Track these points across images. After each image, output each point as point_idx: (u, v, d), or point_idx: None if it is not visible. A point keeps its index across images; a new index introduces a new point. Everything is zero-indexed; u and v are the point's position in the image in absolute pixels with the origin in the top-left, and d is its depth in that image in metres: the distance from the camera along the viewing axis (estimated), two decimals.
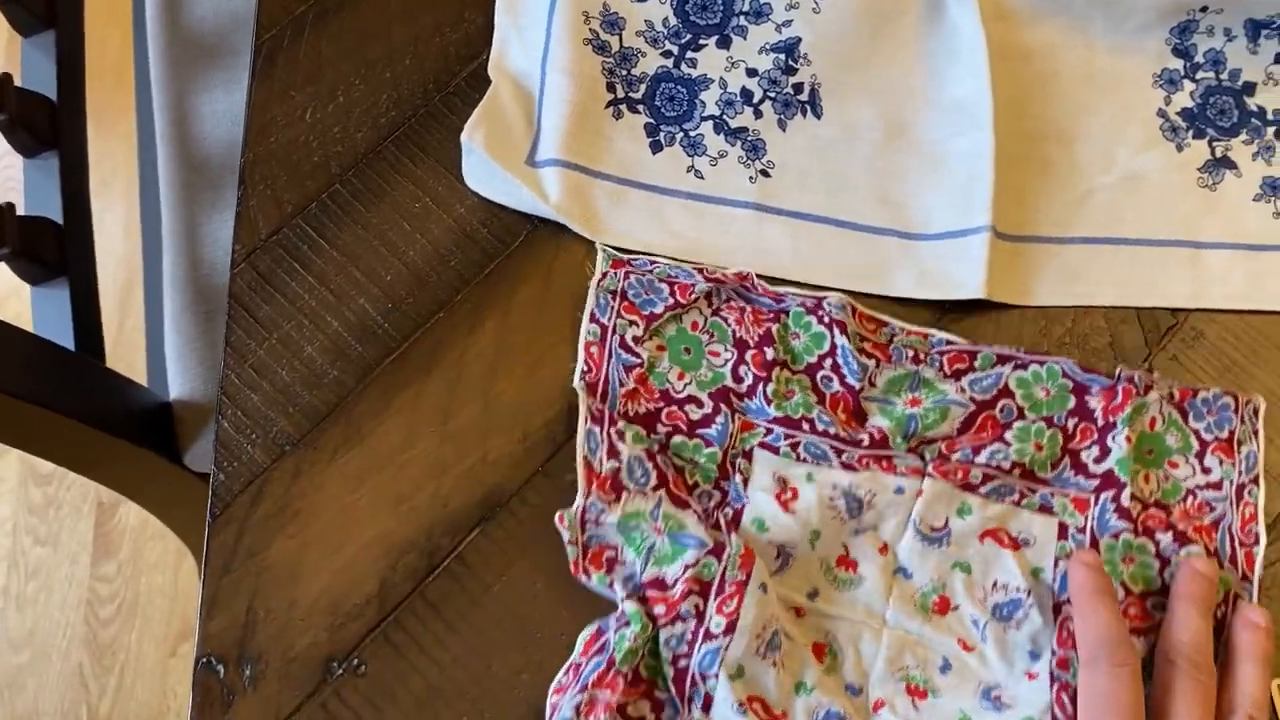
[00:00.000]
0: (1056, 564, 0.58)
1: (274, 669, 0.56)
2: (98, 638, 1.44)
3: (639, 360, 0.61)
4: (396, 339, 0.62)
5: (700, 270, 0.63)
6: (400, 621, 0.57)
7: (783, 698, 0.53)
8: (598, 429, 0.58)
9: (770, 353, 0.61)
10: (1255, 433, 0.61)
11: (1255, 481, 0.60)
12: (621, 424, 0.58)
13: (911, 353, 0.62)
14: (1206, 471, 0.60)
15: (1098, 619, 0.54)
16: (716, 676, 0.52)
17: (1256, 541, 0.58)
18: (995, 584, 0.58)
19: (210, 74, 0.99)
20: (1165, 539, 0.58)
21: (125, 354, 1.52)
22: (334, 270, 0.63)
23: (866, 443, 0.60)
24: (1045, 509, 0.59)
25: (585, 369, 0.60)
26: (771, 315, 0.62)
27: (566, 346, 0.61)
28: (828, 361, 0.62)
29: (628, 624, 0.54)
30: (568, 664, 0.55)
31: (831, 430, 0.60)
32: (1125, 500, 0.58)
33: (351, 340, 0.62)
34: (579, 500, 0.57)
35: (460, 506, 0.59)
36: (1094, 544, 0.58)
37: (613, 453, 0.57)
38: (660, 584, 0.55)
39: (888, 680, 0.55)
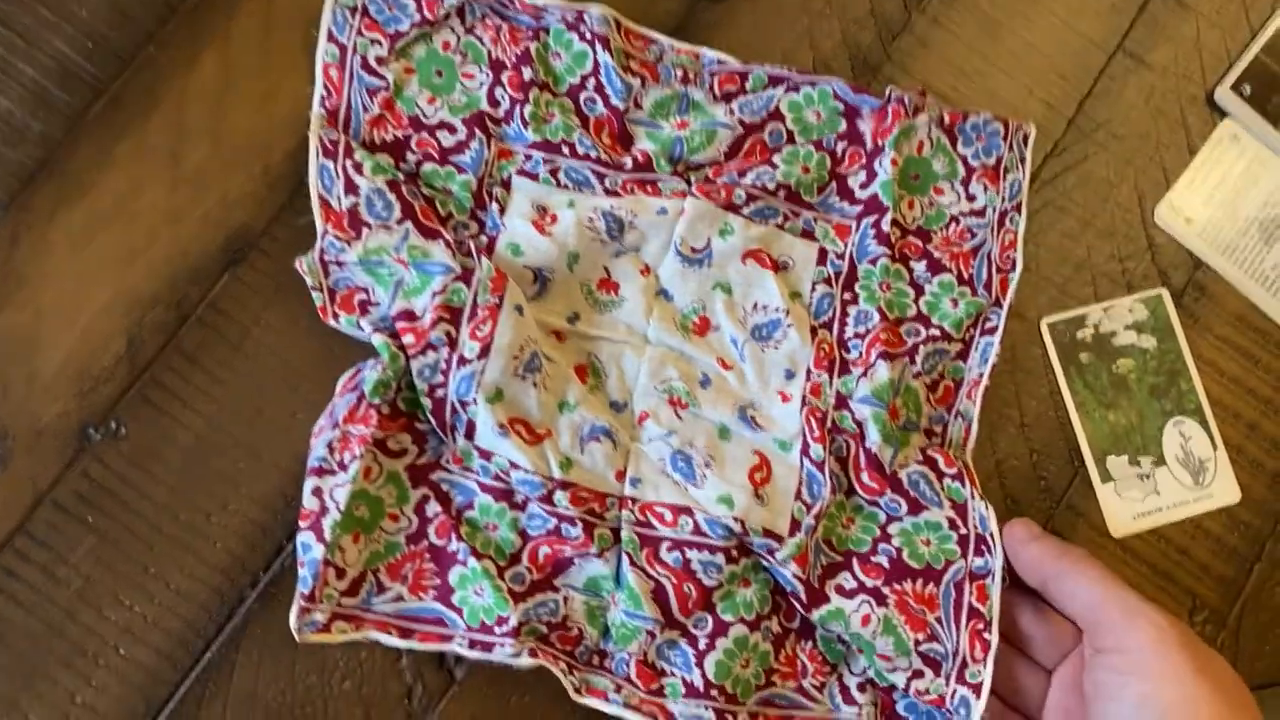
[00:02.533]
0: (814, 288, 0.58)
1: (22, 443, 0.52)
2: None
3: (384, 83, 0.56)
4: (103, 80, 0.55)
5: None
6: (157, 378, 0.53)
7: (546, 417, 0.53)
8: (331, 163, 0.54)
9: (528, 73, 0.57)
10: (1022, 160, 0.61)
11: (1018, 209, 0.60)
12: (360, 154, 0.54)
13: (681, 72, 0.59)
14: (971, 199, 0.60)
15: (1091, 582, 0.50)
16: (475, 402, 0.52)
17: (1013, 268, 0.59)
18: (755, 305, 0.58)
19: None
20: (919, 267, 0.59)
21: None
22: (19, 11, 0.55)
23: (630, 166, 0.58)
24: (808, 234, 0.59)
25: (324, 94, 0.56)
26: (530, 33, 0.58)
27: (302, 72, 0.56)
28: (590, 82, 0.58)
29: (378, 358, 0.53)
30: (329, 407, 0.54)
31: (594, 154, 0.57)
32: (886, 225, 0.58)
33: (52, 87, 0.55)
34: (317, 241, 0.54)
35: (203, 252, 0.55)
36: (852, 268, 0.59)
37: (350, 187, 0.54)
38: (409, 315, 0.53)
39: (651, 393, 0.56)
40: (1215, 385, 0.60)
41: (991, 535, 0.53)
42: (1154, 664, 0.46)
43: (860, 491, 0.55)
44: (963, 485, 0.55)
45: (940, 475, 0.55)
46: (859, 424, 0.55)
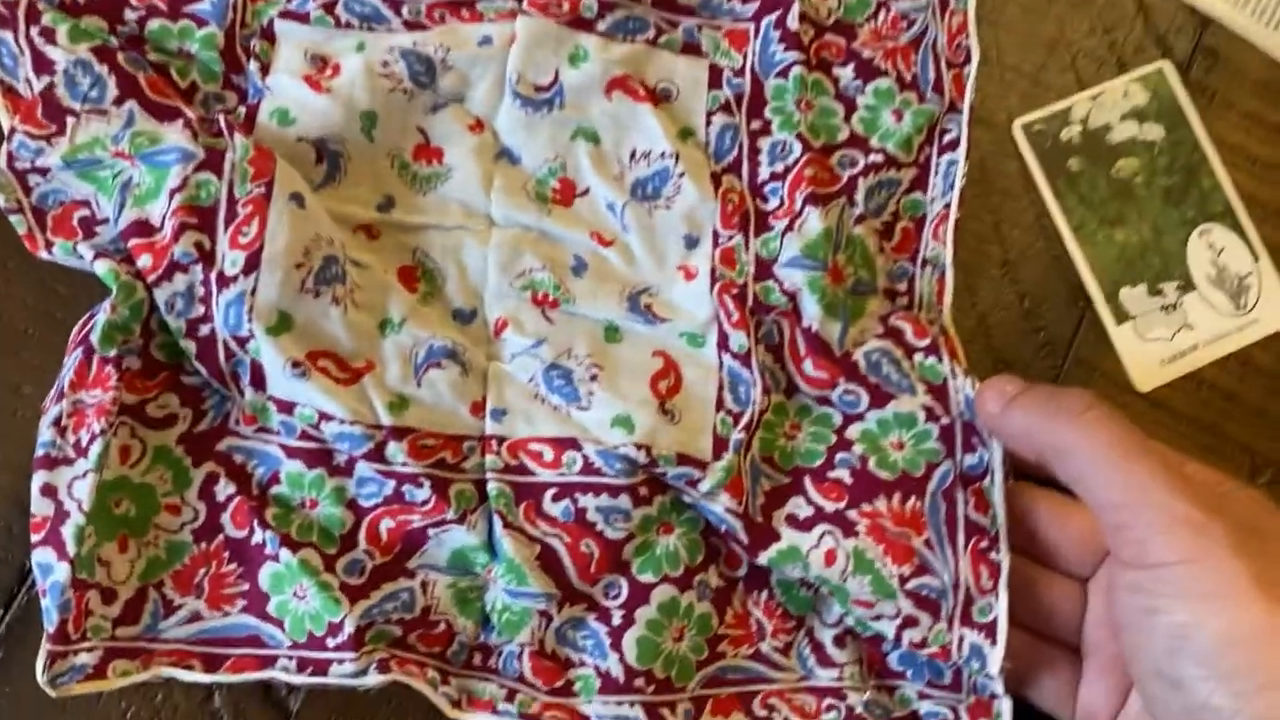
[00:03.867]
0: (710, 120, 0.43)
1: None
2: None
3: None
4: None
5: None
6: None
7: (362, 344, 0.39)
8: (9, 34, 0.39)
9: None
10: None
11: None
12: (50, 17, 0.39)
13: None
14: None
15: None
16: (254, 335, 0.37)
17: (967, 60, 0.45)
18: (634, 154, 0.43)
19: None
20: (845, 73, 0.44)
21: None
22: None
23: None
24: (691, 48, 0.44)
25: None
26: None
27: None
28: None
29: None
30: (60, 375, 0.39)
31: None
32: (793, 23, 0.43)
33: None
34: (3, 144, 0.38)
35: None
36: (757, 88, 0.44)
37: (42, 64, 0.39)
38: (144, 228, 0.38)
39: (507, 294, 0.41)
40: (1246, 177, 0.47)
41: None
42: (1190, 582, 0.32)
43: (804, 386, 0.41)
44: (939, 359, 0.41)
45: (909, 350, 0.41)
46: (791, 296, 0.41)
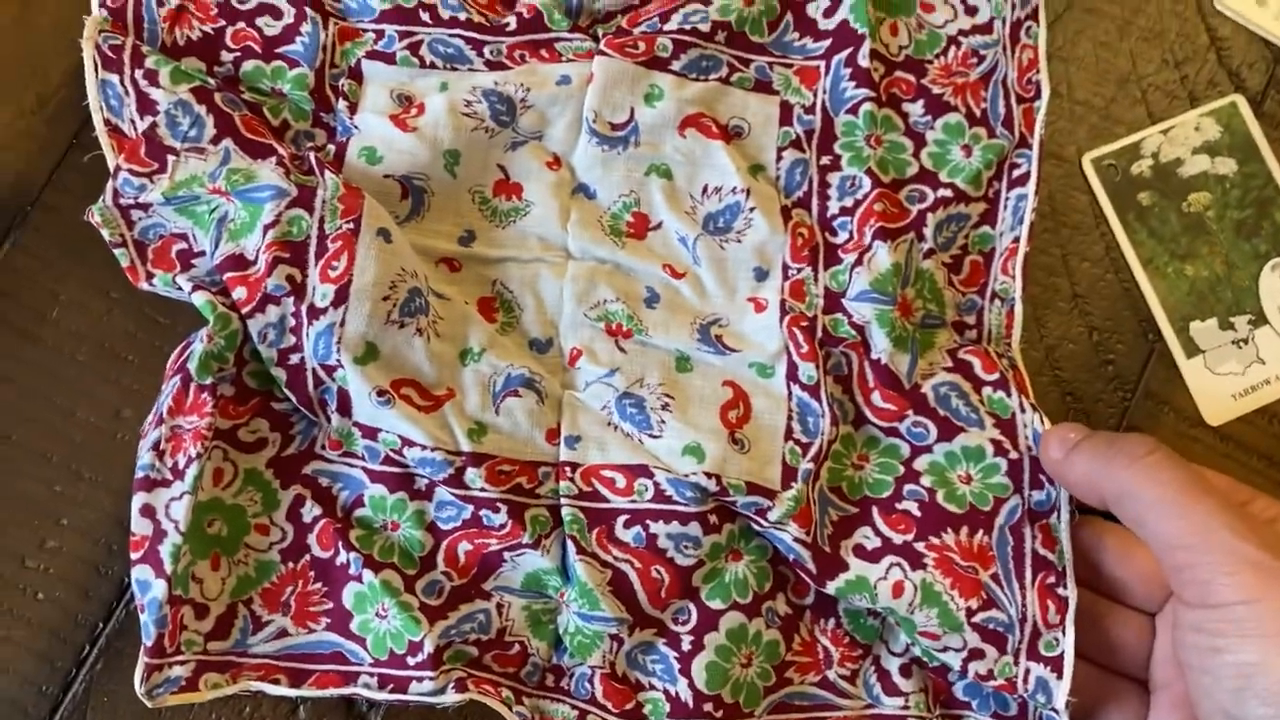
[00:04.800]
0: (780, 156, 0.44)
1: None
2: None
3: None
4: None
5: None
6: None
7: (444, 373, 0.40)
8: (116, 77, 0.41)
9: None
10: None
11: (1034, 16, 0.46)
12: (153, 60, 0.41)
13: None
14: (971, 11, 0.46)
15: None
16: (341, 364, 0.39)
17: (1038, 95, 0.45)
18: (705, 188, 0.44)
19: None
20: (915, 109, 0.45)
21: None
22: None
23: (514, 26, 0.44)
24: (763, 85, 0.45)
25: None
26: None
27: None
28: None
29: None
30: (158, 399, 0.41)
31: (464, 16, 0.44)
32: (864, 60, 0.44)
33: None
34: (110, 181, 0.41)
35: None
36: (827, 124, 0.44)
37: (145, 104, 0.41)
38: (239, 261, 0.39)
39: (582, 323, 0.42)
40: None
41: None
42: (1255, 621, 0.32)
43: (873, 418, 0.42)
44: (1008, 394, 0.41)
45: (978, 384, 0.41)
46: (860, 329, 0.42)
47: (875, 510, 0.41)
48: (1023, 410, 0.41)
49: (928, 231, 0.43)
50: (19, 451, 0.41)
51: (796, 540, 0.39)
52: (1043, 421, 0.41)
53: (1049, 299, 0.45)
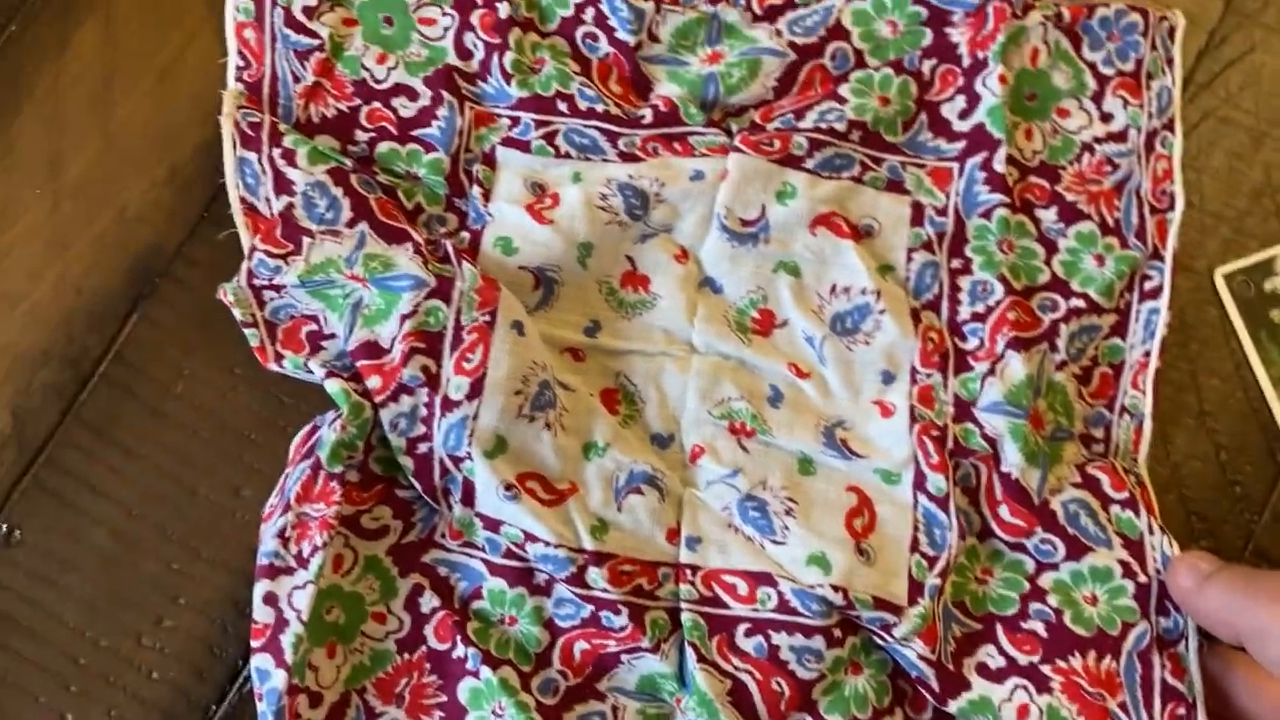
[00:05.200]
0: (911, 257, 0.44)
1: None
2: None
3: (317, 42, 0.43)
4: None
5: None
6: (56, 460, 0.42)
7: (568, 467, 0.40)
8: (254, 155, 0.41)
9: (505, 9, 0.44)
10: (1169, 61, 0.47)
11: (1169, 127, 0.46)
12: (291, 139, 0.41)
13: None
14: (1106, 119, 0.46)
15: None
16: (471, 457, 0.38)
17: (1171, 205, 0.45)
18: (834, 288, 0.44)
19: None
20: (1048, 216, 0.44)
21: None
22: None
23: (650, 119, 0.44)
24: (895, 185, 0.45)
25: (240, 63, 0.43)
26: None
27: (207, 36, 0.45)
28: (589, 12, 0.45)
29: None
30: (281, 480, 0.41)
31: (600, 108, 0.44)
32: (1000, 165, 0.43)
33: None
34: (245, 261, 0.41)
35: (101, 288, 0.43)
36: (959, 226, 0.44)
37: (282, 184, 0.41)
38: (373, 349, 0.39)
39: (704, 420, 0.42)
40: None
41: None
42: None
43: (1000, 532, 0.41)
44: (1137, 514, 0.40)
45: (1106, 502, 0.41)
46: (991, 441, 0.41)
47: (1000, 628, 0.40)
48: (1151, 532, 0.40)
49: (1060, 342, 0.43)
50: (142, 527, 0.41)
51: (921, 658, 0.38)
52: (1171, 545, 0.40)
53: (1176, 415, 0.45)
